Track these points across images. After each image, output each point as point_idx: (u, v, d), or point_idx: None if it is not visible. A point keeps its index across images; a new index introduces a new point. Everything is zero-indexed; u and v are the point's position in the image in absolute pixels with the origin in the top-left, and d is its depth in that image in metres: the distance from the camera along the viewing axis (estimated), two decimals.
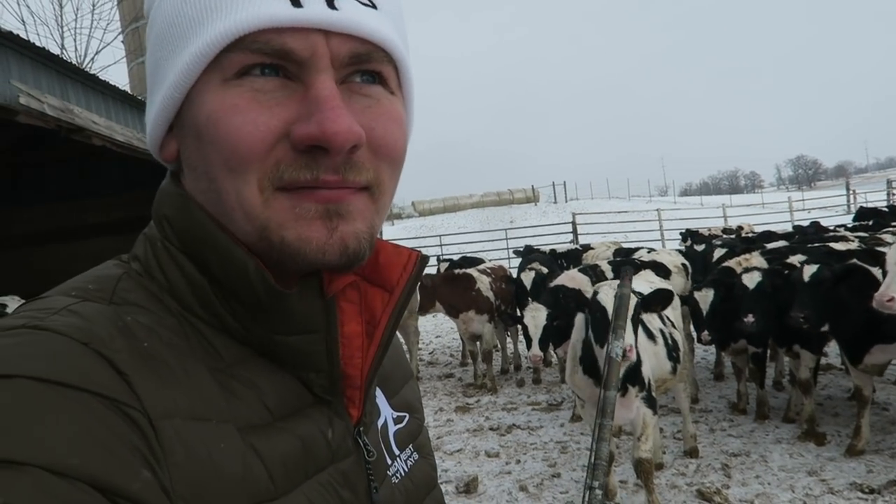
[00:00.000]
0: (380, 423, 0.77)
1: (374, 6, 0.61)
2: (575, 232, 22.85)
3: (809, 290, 4.76)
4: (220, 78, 0.58)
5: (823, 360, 6.42)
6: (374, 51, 0.61)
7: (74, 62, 15.00)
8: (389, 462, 0.75)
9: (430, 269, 12.48)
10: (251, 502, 0.54)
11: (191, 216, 0.62)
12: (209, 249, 0.60)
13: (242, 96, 0.57)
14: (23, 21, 19.01)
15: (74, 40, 19.92)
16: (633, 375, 4.10)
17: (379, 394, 0.80)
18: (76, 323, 0.52)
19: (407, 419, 0.83)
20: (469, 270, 8.56)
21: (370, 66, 0.61)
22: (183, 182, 0.66)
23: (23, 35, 5.86)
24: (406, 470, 0.77)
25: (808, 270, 4.87)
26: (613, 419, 4.17)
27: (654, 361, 4.45)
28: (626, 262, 7.34)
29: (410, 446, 0.81)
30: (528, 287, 7.87)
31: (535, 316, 5.85)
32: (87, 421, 0.47)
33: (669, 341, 4.72)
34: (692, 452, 5.25)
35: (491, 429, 6.54)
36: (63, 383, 0.47)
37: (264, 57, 0.57)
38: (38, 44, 5.89)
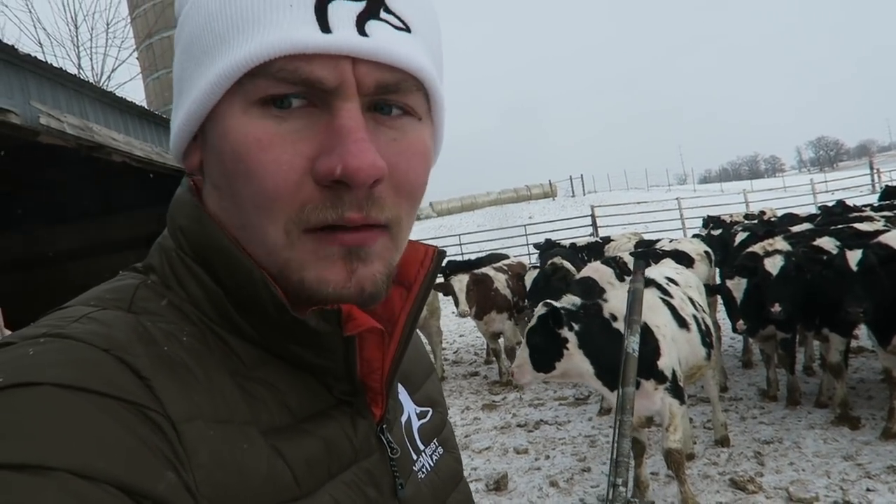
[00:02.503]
0: (403, 419, 0.77)
1: (407, 29, 0.59)
2: (594, 225, 22.72)
3: (861, 280, 4.47)
4: (244, 102, 0.56)
5: (854, 343, 6.31)
6: (404, 79, 0.59)
7: (91, 81, 15.23)
8: (415, 458, 0.75)
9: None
10: (276, 502, 0.55)
11: (205, 228, 0.62)
12: (221, 263, 0.61)
13: (266, 129, 0.56)
14: (40, 43, 19.27)
15: (91, 59, 20.28)
16: (647, 369, 4.03)
17: (401, 390, 0.80)
18: (96, 330, 0.53)
19: (430, 414, 0.83)
20: (485, 269, 8.52)
21: (398, 97, 0.59)
22: (201, 191, 0.66)
23: (40, 57, 5.96)
24: (432, 465, 0.77)
25: (853, 257, 4.56)
26: (633, 415, 4.12)
27: (687, 349, 4.38)
28: (647, 252, 7.28)
29: (435, 441, 0.81)
30: (528, 287, 7.30)
31: None
32: (111, 425, 0.47)
33: (703, 327, 4.65)
34: (723, 441, 5.19)
35: (518, 425, 6.53)
36: (86, 389, 0.48)
37: (290, 86, 0.55)
38: (55, 64, 5.99)
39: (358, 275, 0.59)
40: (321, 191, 0.56)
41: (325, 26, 0.54)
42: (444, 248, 0.76)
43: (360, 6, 0.56)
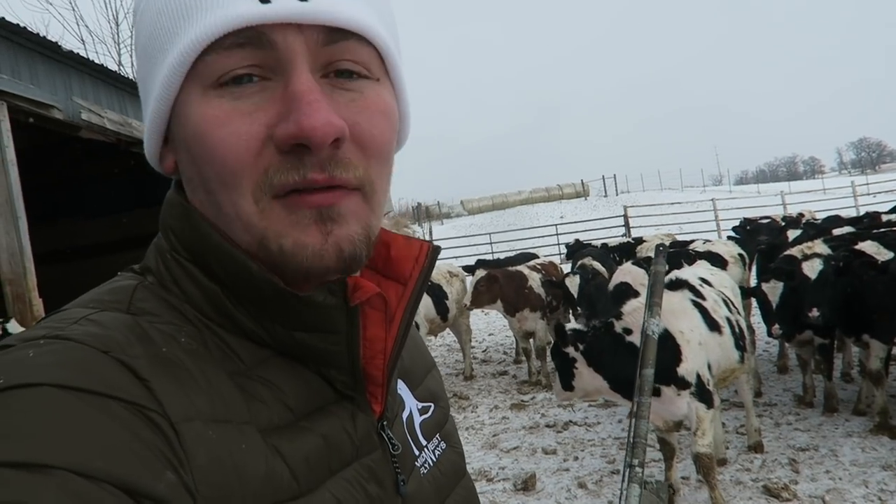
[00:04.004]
0: (405, 415, 0.77)
1: None
2: (627, 225, 22.51)
3: None
4: (200, 87, 0.58)
5: (895, 350, 6.13)
6: (353, 39, 0.60)
7: (131, 77, 15.54)
8: (417, 453, 0.75)
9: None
10: (275, 500, 0.55)
11: (193, 226, 0.62)
12: (213, 258, 0.61)
13: (222, 106, 0.57)
14: (82, 40, 19.78)
15: (131, 56, 20.62)
16: (667, 375, 3.99)
17: (402, 386, 0.79)
18: (95, 332, 0.54)
19: (432, 409, 0.83)
20: (520, 268, 8.50)
21: (349, 56, 0.60)
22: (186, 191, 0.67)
23: (83, 54, 6.11)
24: (434, 460, 0.77)
25: None
26: (661, 421, 4.07)
27: (718, 352, 4.32)
28: (680, 253, 7.17)
29: (437, 436, 0.81)
30: (575, 294, 7.25)
31: None
32: (111, 425, 0.48)
33: (737, 329, 4.57)
34: (757, 447, 5.09)
35: (547, 426, 6.49)
36: (86, 389, 0.48)
37: (240, 60, 0.57)
38: (97, 61, 6.13)
39: (334, 236, 0.59)
40: (282, 155, 0.57)
41: None
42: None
43: None
